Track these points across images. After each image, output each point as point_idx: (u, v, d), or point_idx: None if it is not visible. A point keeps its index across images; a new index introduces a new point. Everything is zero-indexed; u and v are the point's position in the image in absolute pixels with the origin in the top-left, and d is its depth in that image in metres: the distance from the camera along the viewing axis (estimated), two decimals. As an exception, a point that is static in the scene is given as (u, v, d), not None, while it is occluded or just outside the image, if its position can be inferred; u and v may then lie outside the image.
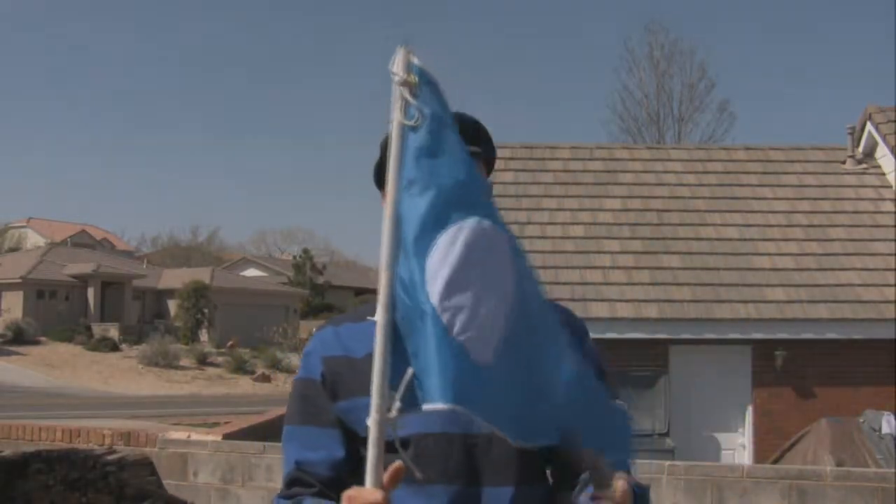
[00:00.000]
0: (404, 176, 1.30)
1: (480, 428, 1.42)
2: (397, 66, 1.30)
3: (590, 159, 14.13)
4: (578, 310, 10.39)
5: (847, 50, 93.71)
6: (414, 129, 1.31)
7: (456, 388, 1.24)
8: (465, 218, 1.31)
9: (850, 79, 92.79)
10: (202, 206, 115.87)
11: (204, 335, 42.05)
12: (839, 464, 8.27)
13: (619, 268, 11.75)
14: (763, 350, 11.05)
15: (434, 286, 1.28)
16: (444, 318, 1.27)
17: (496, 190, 11.91)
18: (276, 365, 37.27)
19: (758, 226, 12.53)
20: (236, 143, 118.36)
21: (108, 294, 44.01)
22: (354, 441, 1.53)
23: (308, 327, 40.98)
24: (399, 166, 1.31)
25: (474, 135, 1.67)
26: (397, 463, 1.27)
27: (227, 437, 7.84)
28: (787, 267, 11.73)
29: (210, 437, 7.78)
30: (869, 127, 13.38)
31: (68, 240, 58.86)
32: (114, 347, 38.53)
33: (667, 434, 10.66)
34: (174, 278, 46.20)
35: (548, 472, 1.61)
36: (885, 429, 9.07)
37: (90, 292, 43.33)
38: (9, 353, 36.02)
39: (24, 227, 63.52)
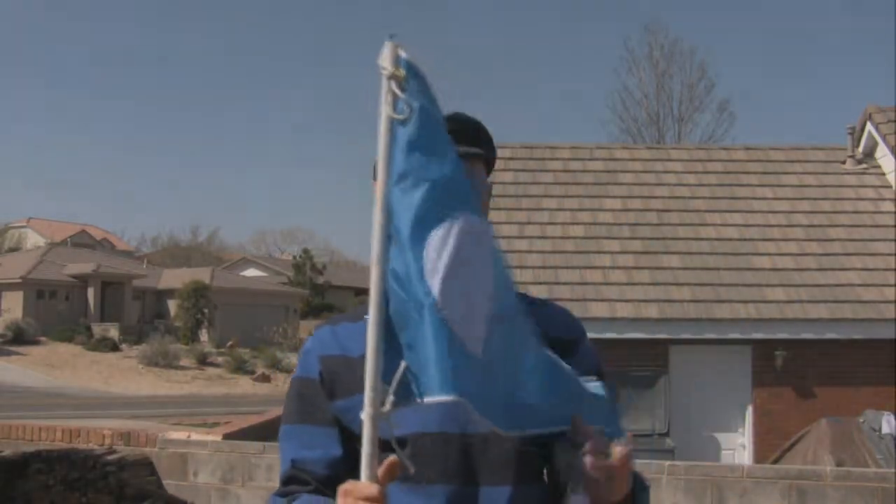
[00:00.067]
0: (395, 170, 1.31)
1: (477, 426, 1.43)
2: (385, 60, 1.31)
3: (590, 159, 14.13)
4: (578, 310, 10.43)
5: (847, 50, 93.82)
6: (403, 122, 1.31)
7: (455, 380, 1.25)
8: (457, 213, 1.32)
9: (850, 79, 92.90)
10: (202, 206, 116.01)
11: (204, 335, 42.06)
12: (839, 464, 8.27)
13: (619, 268, 11.75)
14: (763, 350, 11.05)
15: (434, 279, 1.28)
16: (444, 310, 1.27)
17: (496, 190, 11.89)
18: (275, 365, 37.27)
19: (758, 226, 12.54)
20: (236, 143, 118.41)
21: (108, 294, 44.02)
22: (352, 440, 1.53)
23: (308, 327, 40.99)
24: (388, 160, 1.31)
25: (475, 136, 1.66)
26: (392, 457, 1.27)
27: (227, 437, 7.83)
28: (787, 267, 11.73)
29: (210, 437, 7.78)
30: (869, 127, 13.38)
31: (68, 240, 58.87)
32: (114, 347, 38.54)
33: (667, 434, 10.66)
34: (174, 278, 46.21)
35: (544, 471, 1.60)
36: (885, 429, 9.07)
37: (90, 292, 43.34)
38: (9, 353, 36.03)
39: (24, 227, 63.52)
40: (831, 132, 69.68)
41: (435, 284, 1.28)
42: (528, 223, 12.53)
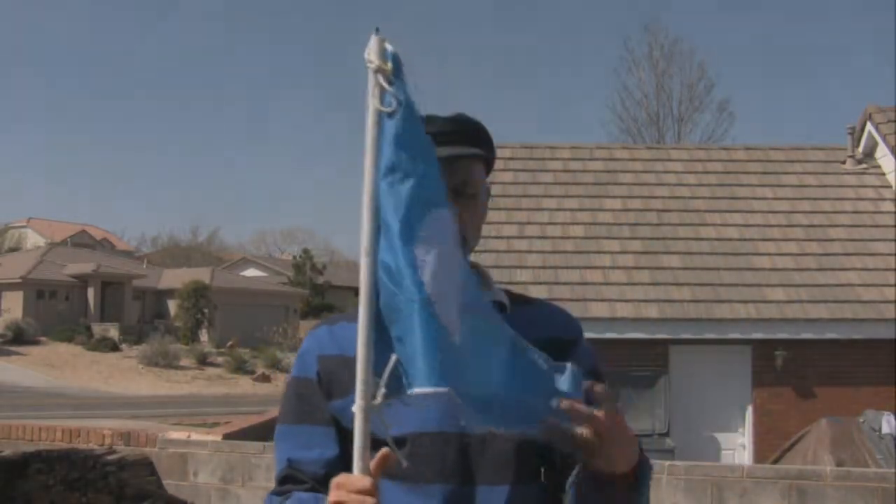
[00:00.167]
0: (383, 163, 1.31)
1: (473, 427, 1.42)
2: (371, 54, 1.31)
3: (590, 159, 14.13)
4: (578, 310, 10.44)
5: (847, 50, 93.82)
6: (390, 115, 1.31)
7: (443, 371, 1.25)
8: (441, 207, 1.33)
9: (850, 79, 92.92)
10: (202, 207, 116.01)
11: (204, 335, 42.06)
12: (839, 464, 8.27)
13: (619, 268, 11.75)
14: (763, 350, 11.05)
15: (425, 274, 1.29)
16: (435, 304, 1.28)
17: (496, 190, 11.92)
18: (275, 365, 37.27)
19: (758, 226, 12.54)
20: (236, 143, 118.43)
21: (108, 294, 44.02)
22: (349, 440, 1.53)
23: (308, 327, 40.62)
24: (376, 153, 1.31)
25: (475, 136, 1.66)
26: (385, 450, 1.28)
27: (227, 437, 7.84)
28: (787, 267, 11.73)
29: (210, 437, 7.78)
30: (869, 127, 13.38)
31: (68, 240, 58.87)
32: (114, 347, 38.54)
33: (667, 434, 10.66)
34: (174, 278, 46.21)
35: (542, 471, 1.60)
36: (885, 429, 9.07)
37: (90, 292, 43.34)
38: (9, 353, 36.04)
39: (24, 227, 63.55)
40: (831, 132, 69.77)
41: (427, 279, 1.28)
42: (528, 223, 12.53)
